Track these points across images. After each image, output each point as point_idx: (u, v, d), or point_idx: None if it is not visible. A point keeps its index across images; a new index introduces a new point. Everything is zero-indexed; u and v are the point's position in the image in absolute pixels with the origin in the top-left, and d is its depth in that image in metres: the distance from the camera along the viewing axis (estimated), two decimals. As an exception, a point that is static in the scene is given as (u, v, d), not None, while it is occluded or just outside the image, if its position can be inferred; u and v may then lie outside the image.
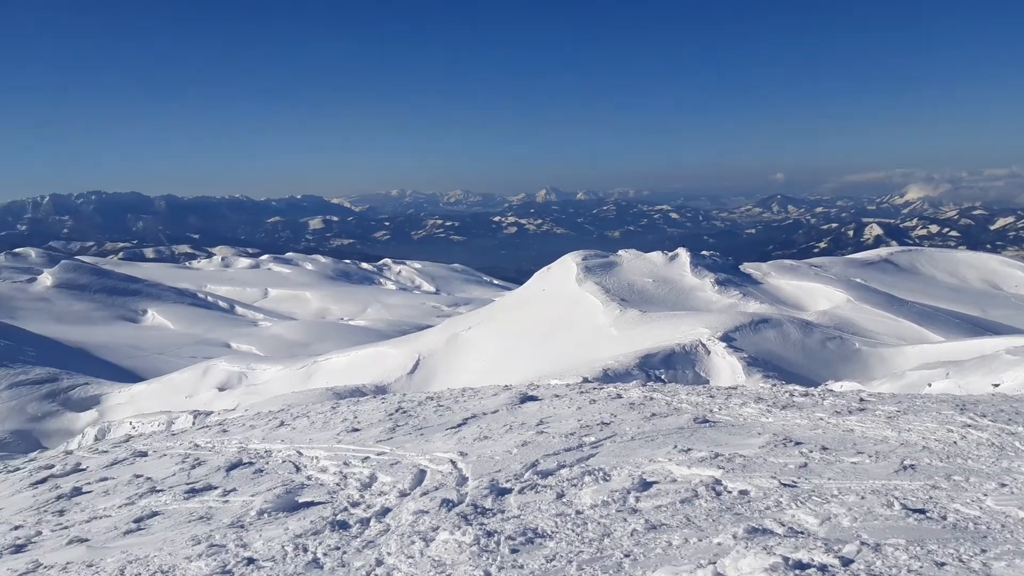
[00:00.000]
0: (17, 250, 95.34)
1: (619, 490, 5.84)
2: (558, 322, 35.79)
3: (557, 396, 11.80)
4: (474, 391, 13.92)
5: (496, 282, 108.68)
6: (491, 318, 39.26)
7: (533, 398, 11.74)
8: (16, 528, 7.66)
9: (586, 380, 19.24)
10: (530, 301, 40.07)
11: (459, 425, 9.86)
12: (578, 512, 5.47)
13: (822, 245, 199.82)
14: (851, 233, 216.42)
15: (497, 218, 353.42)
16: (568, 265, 40.98)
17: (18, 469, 11.73)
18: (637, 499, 5.65)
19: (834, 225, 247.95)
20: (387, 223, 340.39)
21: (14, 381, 42.25)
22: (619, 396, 11.35)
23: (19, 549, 6.75)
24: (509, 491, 6.23)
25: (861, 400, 9.96)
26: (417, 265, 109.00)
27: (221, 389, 38.61)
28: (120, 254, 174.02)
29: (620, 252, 44.76)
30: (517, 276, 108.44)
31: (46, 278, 74.30)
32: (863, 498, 5.22)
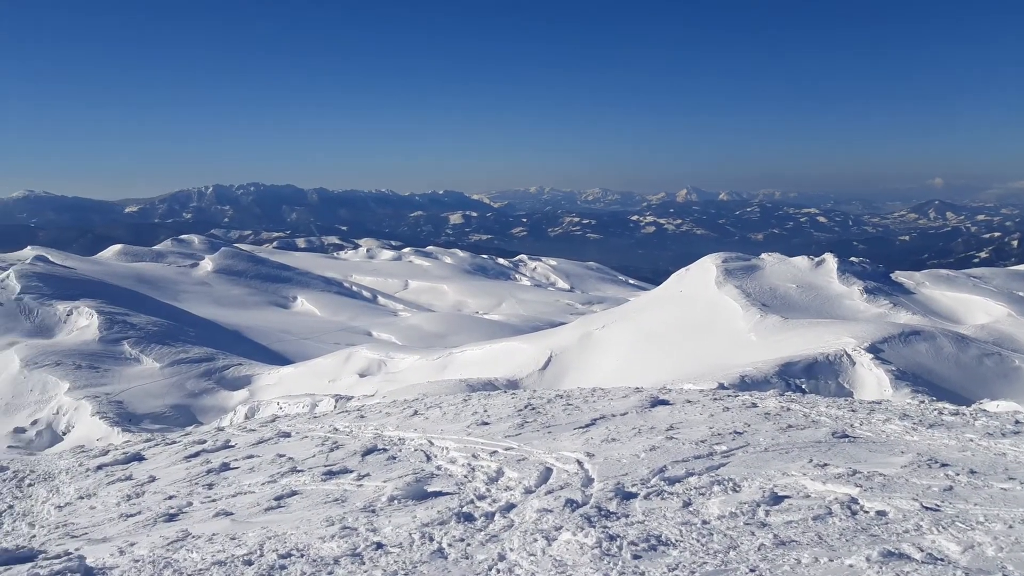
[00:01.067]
0: (182, 237, 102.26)
1: (749, 502, 5.67)
2: (694, 325, 35.09)
3: (689, 402, 11.58)
4: (604, 392, 13.84)
5: (632, 282, 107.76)
6: (625, 318, 38.92)
7: (664, 402, 11.56)
8: (170, 498, 8.23)
9: (721, 386, 18.81)
10: (666, 302, 39.48)
11: (587, 425, 9.84)
12: (704, 522, 5.36)
13: (983, 255, 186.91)
14: (1015, 243, 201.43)
15: (635, 217, 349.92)
16: (707, 267, 40.10)
17: (174, 442, 12.58)
18: (767, 513, 5.47)
19: (997, 234, 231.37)
20: (524, 220, 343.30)
21: (175, 359, 45.32)
22: (754, 405, 11.01)
23: (171, 518, 7.25)
24: (635, 496, 6.17)
25: (1017, 422, 9.27)
26: (552, 262, 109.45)
27: (362, 375, 40.02)
28: (274, 243, 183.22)
29: (763, 255, 43.42)
30: (654, 276, 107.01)
31: (207, 263, 79.30)
32: (1011, 527, 4.86)
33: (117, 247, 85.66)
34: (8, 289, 53.04)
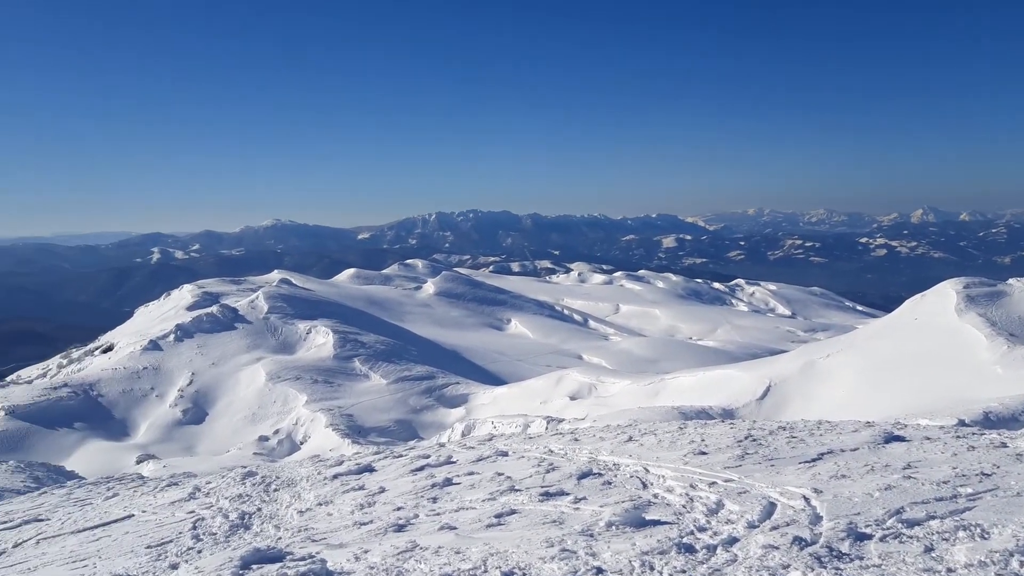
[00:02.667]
0: (408, 261, 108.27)
1: (1000, 551, 5.13)
2: (931, 356, 32.35)
3: (928, 439, 10.68)
4: (831, 424, 13.08)
5: (860, 308, 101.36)
6: (853, 346, 36.60)
7: (900, 438, 10.74)
8: (398, 509, 8.67)
9: (962, 423, 17.20)
10: (899, 331, 36.73)
11: (814, 460, 9.32)
12: (949, 570, 4.90)
13: None
14: None
15: (864, 239, 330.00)
16: (947, 293, 36.89)
17: (401, 456, 13.26)
18: (1021, 564, 4.93)
19: None
20: (742, 242, 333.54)
21: (400, 376, 47.89)
22: (1004, 445, 9.97)
23: (400, 528, 7.63)
24: (869, 537, 5.76)
25: None
26: (772, 287, 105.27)
27: (572, 398, 40.30)
28: (491, 267, 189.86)
29: (1011, 281, 39.34)
30: (884, 303, 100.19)
31: (429, 287, 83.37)
32: None
33: (350, 271, 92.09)
34: (257, 309, 58.38)
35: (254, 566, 5.96)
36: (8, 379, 59.78)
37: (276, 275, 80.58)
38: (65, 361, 59.84)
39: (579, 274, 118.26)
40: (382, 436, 38.51)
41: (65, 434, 41.15)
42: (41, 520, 12.30)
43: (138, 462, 36.24)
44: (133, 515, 10.99)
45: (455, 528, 7.19)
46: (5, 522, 12.75)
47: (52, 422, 41.91)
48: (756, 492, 7.69)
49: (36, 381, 52.30)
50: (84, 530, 10.46)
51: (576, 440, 13.22)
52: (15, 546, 10.15)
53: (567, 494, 8.28)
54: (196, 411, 44.64)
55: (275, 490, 11.48)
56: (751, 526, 6.35)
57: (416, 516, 8.12)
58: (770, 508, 6.94)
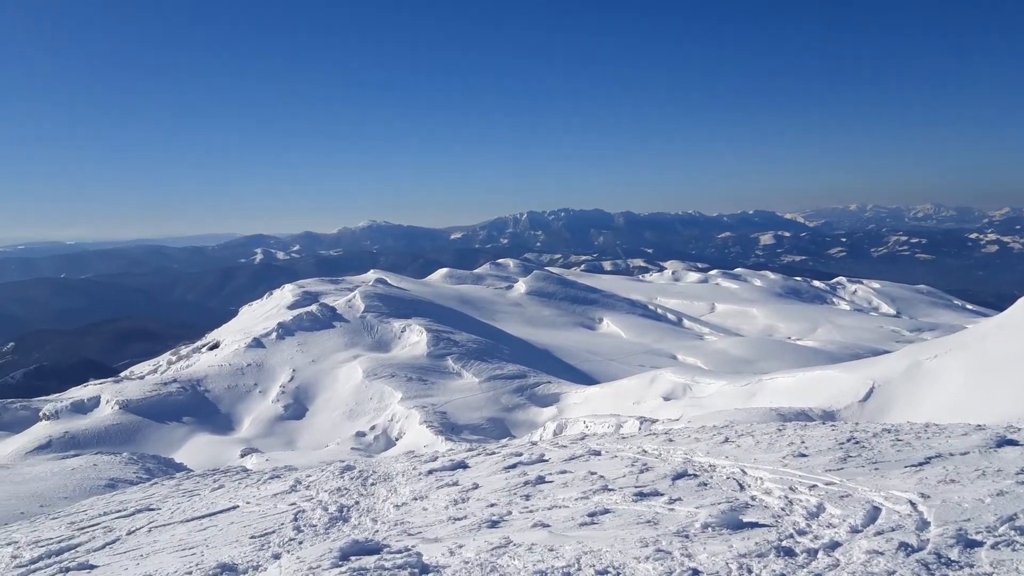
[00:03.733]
0: (499, 261, 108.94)
1: (1125, 564, 4.84)
2: (1048, 357, 30.69)
3: (1045, 444, 10.14)
4: (939, 428, 12.54)
5: (970, 307, 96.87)
6: (962, 347, 34.98)
7: (1013, 443, 10.21)
8: (491, 505, 8.73)
9: (1083, 429, 16.24)
10: (1012, 330, 34.94)
11: (920, 464, 8.95)
12: (1069, 582, 4.65)
13: None
14: None
15: (974, 235, 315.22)
16: (1064, 291, 34.94)
17: (494, 453, 13.36)
18: None
19: None
20: (843, 239, 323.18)
21: (492, 375, 48.24)
22: None
23: (494, 524, 7.68)
24: (980, 544, 5.50)
25: None
26: (875, 285, 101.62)
27: (666, 399, 39.80)
28: (582, 266, 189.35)
29: None
30: (997, 301, 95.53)
31: (521, 286, 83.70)
32: None
33: (443, 270, 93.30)
34: (354, 308, 59.75)
35: (353, 557, 6.10)
36: (122, 375, 62.91)
37: (372, 275, 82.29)
38: (174, 358, 62.55)
39: (673, 272, 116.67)
40: (474, 434, 38.87)
41: (174, 428, 43.02)
42: (152, 509, 12.88)
43: (242, 455, 37.58)
44: (238, 506, 11.39)
45: (548, 526, 7.19)
46: (120, 511, 13.40)
47: (162, 416, 43.89)
48: (859, 496, 7.44)
49: (148, 377, 54.82)
50: (192, 519, 10.91)
51: (670, 440, 13.05)
52: (129, 533, 10.66)
53: (661, 495, 8.19)
54: (297, 407, 46.00)
55: (372, 484, 11.72)
56: (854, 531, 6.15)
57: (509, 513, 8.16)
58: (874, 513, 6.71)
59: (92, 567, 8.76)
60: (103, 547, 10.02)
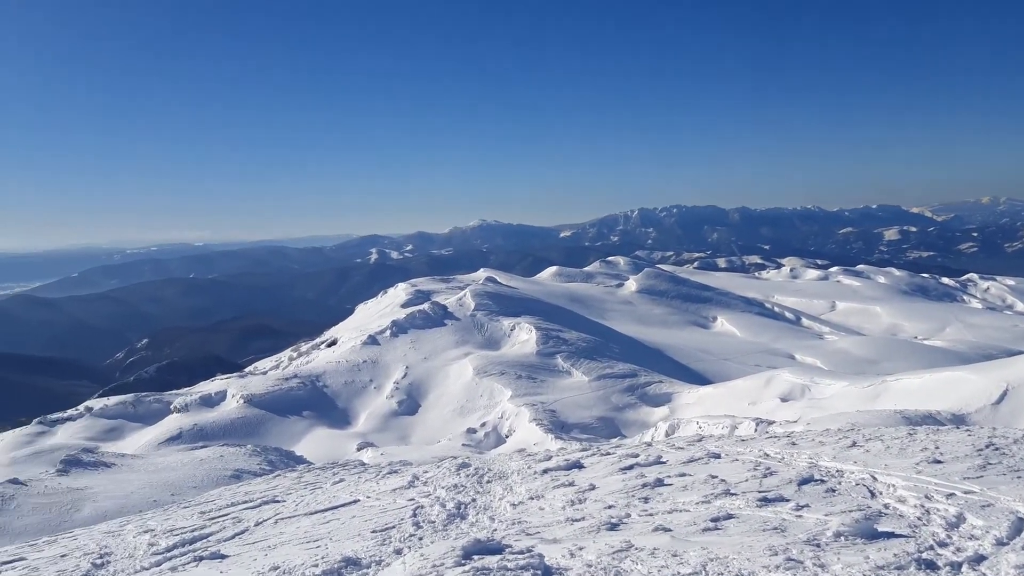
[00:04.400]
0: (609, 258, 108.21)
1: None
2: None
3: None
4: (1089, 435, 11.67)
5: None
6: (1110, 349, 32.62)
7: None
8: (609, 507, 8.61)
9: None
10: None
11: (1071, 473, 8.35)
12: None
13: None
14: None
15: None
16: None
17: (609, 454, 13.21)
18: None
19: None
20: (974, 234, 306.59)
21: (602, 373, 47.94)
22: None
23: (613, 527, 7.56)
24: None
25: None
26: (1010, 281, 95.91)
27: (783, 400, 38.64)
28: (695, 263, 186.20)
29: None
30: None
31: (631, 284, 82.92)
32: None
33: (553, 269, 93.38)
34: (465, 306, 60.51)
35: (475, 557, 6.12)
36: (246, 370, 65.62)
37: (482, 273, 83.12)
38: (295, 354, 64.82)
39: (791, 269, 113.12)
40: (584, 433, 38.73)
41: (295, 421, 44.59)
42: (278, 501, 13.33)
43: (358, 449, 38.61)
44: (358, 500, 11.66)
45: (670, 530, 7.03)
46: (247, 502, 13.93)
47: (284, 410, 45.56)
48: (1002, 506, 6.98)
49: (270, 372, 56.99)
50: (315, 512, 11.22)
51: (793, 444, 12.61)
52: (256, 524, 11.05)
53: (787, 500, 7.89)
54: (410, 402, 46.94)
55: (488, 482, 11.78)
56: (1000, 543, 5.76)
57: (628, 516, 8.02)
58: (1019, 524, 6.27)
59: (223, 557, 9.11)
60: (232, 537, 10.42)
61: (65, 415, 48.41)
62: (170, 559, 9.48)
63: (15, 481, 24.17)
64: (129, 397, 51.03)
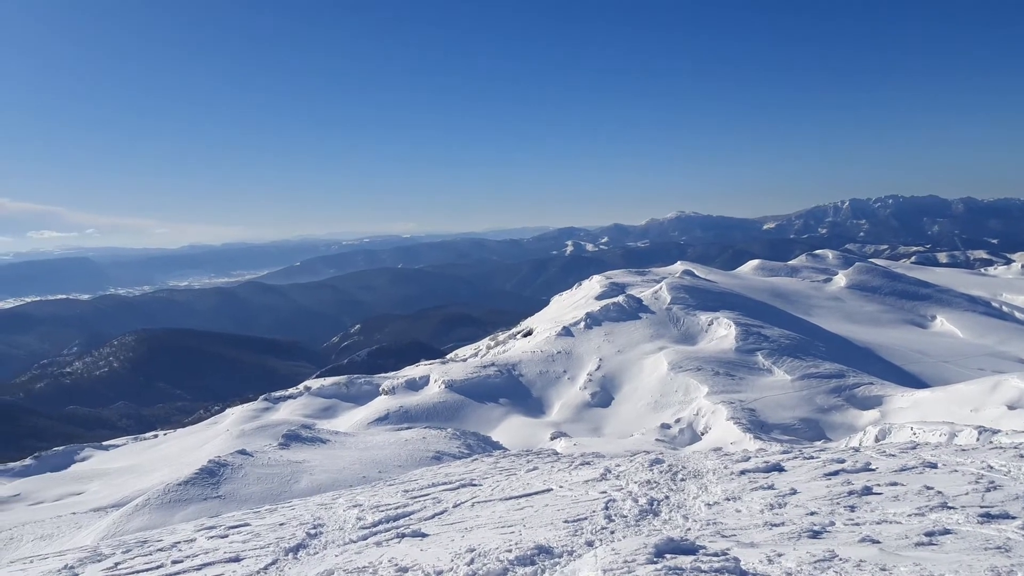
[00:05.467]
0: (816, 252, 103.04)
1: None
2: None
3: None
4: None
5: None
6: None
7: None
8: (811, 514, 8.21)
9: None
10: None
11: None
12: None
13: None
14: None
15: None
16: None
17: (812, 458, 12.59)
18: None
19: None
20: None
21: (805, 373, 45.79)
22: None
23: (815, 535, 7.20)
24: None
25: None
26: None
27: (1011, 407, 35.29)
28: (912, 258, 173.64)
29: None
30: None
31: (840, 279, 78.53)
32: None
33: (755, 262, 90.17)
34: (660, 299, 59.74)
35: (668, 555, 6.03)
36: (448, 357, 68.33)
37: (679, 266, 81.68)
38: (492, 343, 66.74)
39: (1022, 265, 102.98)
40: (785, 434, 37.19)
41: (491, 408, 45.90)
42: (475, 485, 13.78)
43: (552, 438, 39.17)
44: (551, 489, 11.82)
45: (878, 542, 6.60)
46: (446, 483, 14.50)
47: (481, 396, 47.03)
48: None
49: (469, 360, 58.98)
50: (510, 498, 11.50)
51: (1022, 456, 11.48)
52: (455, 506, 11.48)
53: (1014, 518, 7.20)
54: (603, 395, 47.01)
55: (682, 480, 11.58)
56: None
57: (832, 524, 7.62)
58: None
59: (424, 535, 9.54)
60: (432, 517, 10.88)
61: (287, 393, 52.59)
62: (375, 534, 10.04)
63: (243, 452, 26.48)
64: (343, 379, 54.63)
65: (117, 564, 10.47)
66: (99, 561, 10.88)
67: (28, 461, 52.94)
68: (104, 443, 58.47)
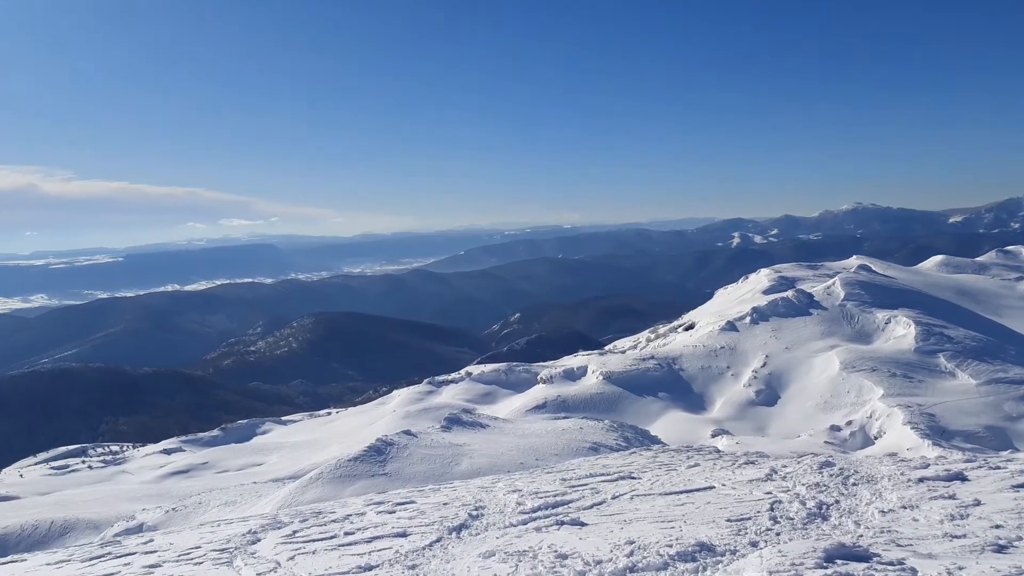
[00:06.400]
0: (1008, 248, 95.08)
1: None
2: None
3: None
4: None
5: None
6: None
7: None
8: (997, 527, 7.64)
9: None
10: None
11: None
12: None
13: None
14: None
15: None
16: None
17: (999, 468, 11.69)
18: None
19: None
20: None
21: (992, 377, 42.48)
22: None
23: (1000, 550, 6.71)
24: None
25: None
26: None
27: None
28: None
29: None
30: None
31: (1035, 277, 72.30)
32: None
33: (938, 258, 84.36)
34: (833, 295, 57.05)
35: (839, 561, 5.78)
36: (606, 348, 68.22)
37: (854, 261, 77.60)
38: (652, 335, 65.97)
39: None
40: (968, 442, 34.66)
41: (650, 402, 45.43)
42: (634, 478, 13.69)
43: (713, 436, 38.32)
44: (713, 487, 11.58)
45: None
46: (604, 474, 14.50)
47: (640, 389, 46.62)
48: None
49: (628, 352, 58.60)
50: (670, 493, 11.36)
51: None
52: (613, 498, 11.46)
53: None
54: (768, 393, 45.49)
55: (853, 484, 11.04)
56: None
57: (1020, 539, 7.07)
58: None
59: (583, 524, 9.59)
60: (591, 507, 10.92)
61: (449, 378, 54.22)
62: (535, 519, 10.19)
63: (408, 433, 27.55)
64: (502, 366, 55.72)
65: (295, 532, 11.16)
66: (279, 528, 11.64)
67: (215, 432, 57.40)
68: (283, 418, 62.49)
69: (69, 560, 11.27)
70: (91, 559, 11.13)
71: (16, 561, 12.32)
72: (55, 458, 57.35)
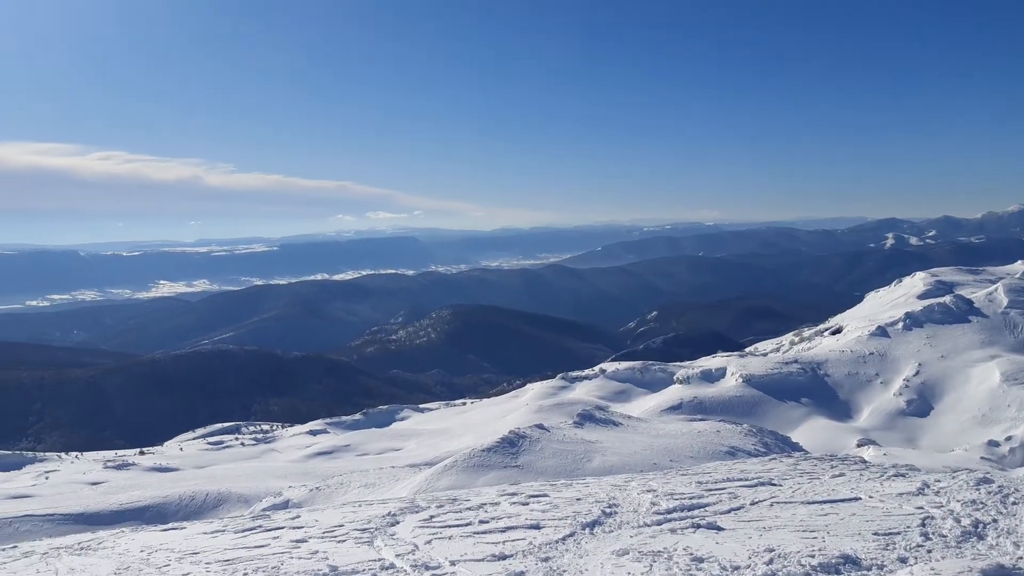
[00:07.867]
0: None
1: None
2: None
3: None
4: None
5: None
6: None
7: None
8: None
9: None
10: None
11: None
12: None
13: None
14: None
15: None
16: None
17: None
18: None
19: None
20: None
21: None
22: None
23: None
24: None
25: None
26: None
27: None
28: None
29: None
30: None
31: None
32: None
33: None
34: (995, 302, 53.42)
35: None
36: (746, 350, 66.39)
37: (1020, 266, 72.26)
38: (796, 339, 63.70)
39: None
40: None
41: (792, 407, 43.89)
42: (774, 484, 13.30)
43: (858, 445, 36.65)
44: (859, 498, 11.11)
45: None
46: (742, 479, 14.15)
47: (781, 394, 45.11)
48: None
49: (770, 355, 56.82)
50: (813, 503, 10.97)
51: None
52: (752, 504, 11.19)
53: None
54: (920, 403, 43.09)
55: (1014, 503, 10.34)
56: None
57: None
58: None
59: (720, 528, 9.42)
60: (728, 512, 10.70)
61: (583, 374, 54.24)
62: (670, 520, 10.09)
63: (540, 427, 27.74)
64: (637, 364, 55.22)
65: (432, 517, 11.49)
66: (416, 512, 12.01)
67: (357, 416, 59.74)
68: (420, 406, 64.35)
69: (223, 531, 12.01)
70: (243, 531, 11.83)
71: (176, 528, 13.25)
72: (211, 434, 61.23)
